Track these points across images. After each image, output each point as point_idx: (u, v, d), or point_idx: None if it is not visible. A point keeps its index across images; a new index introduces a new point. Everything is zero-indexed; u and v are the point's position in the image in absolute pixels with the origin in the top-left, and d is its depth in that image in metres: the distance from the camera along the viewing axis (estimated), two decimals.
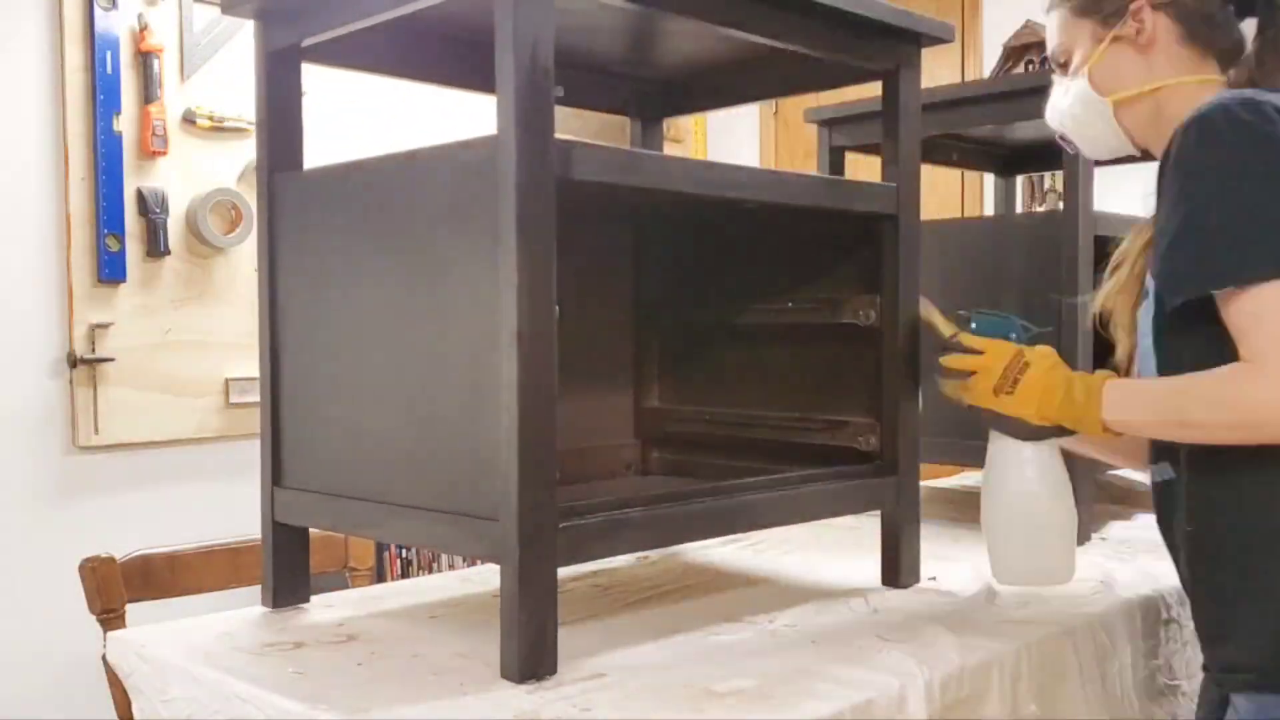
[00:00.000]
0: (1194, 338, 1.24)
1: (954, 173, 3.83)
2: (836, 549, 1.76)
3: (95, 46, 2.90)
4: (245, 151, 3.13)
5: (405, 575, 3.23)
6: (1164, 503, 1.35)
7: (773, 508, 1.40)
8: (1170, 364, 1.27)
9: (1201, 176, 1.21)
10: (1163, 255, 1.23)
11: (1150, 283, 1.29)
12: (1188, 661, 1.56)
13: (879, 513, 1.52)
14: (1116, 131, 1.40)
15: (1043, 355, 1.41)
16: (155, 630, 1.37)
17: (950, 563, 1.66)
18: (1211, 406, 1.20)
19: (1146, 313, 1.31)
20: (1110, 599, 1.48)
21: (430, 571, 3.26)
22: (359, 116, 3.23)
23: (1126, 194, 1.67)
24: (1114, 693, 1.42)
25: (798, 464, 1.51)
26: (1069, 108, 1.42)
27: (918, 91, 1.52)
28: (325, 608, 1.45)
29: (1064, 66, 1.43)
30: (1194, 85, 1.34)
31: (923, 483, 1.56)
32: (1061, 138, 1.48)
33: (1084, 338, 1.77)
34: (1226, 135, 1.19)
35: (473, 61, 1.54)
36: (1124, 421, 1.32)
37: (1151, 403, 1.28)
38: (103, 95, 2.91)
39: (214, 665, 1.23)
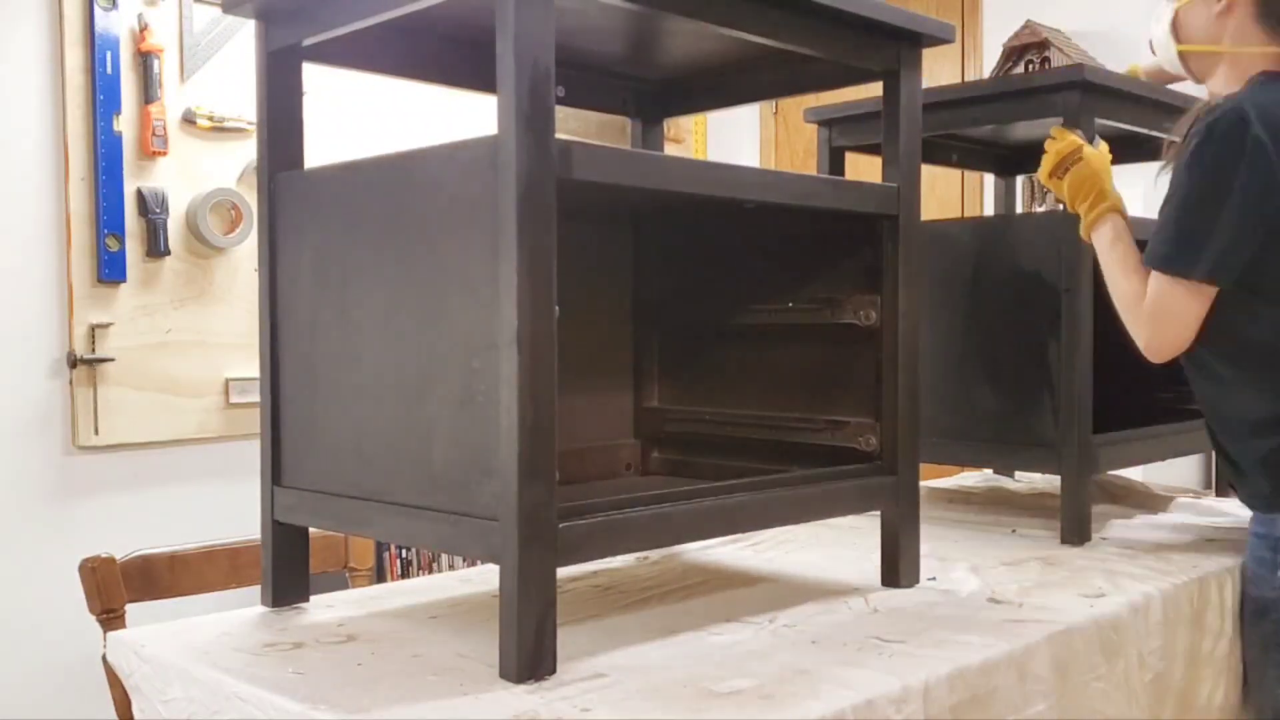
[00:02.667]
0: None
1: (954, 173, 3.83)
2: (836, 549, 1.76)
3: (95, 47, 2.90)
4: (245, 151, 3.13)
5: (405, 575, 3.23)
6: None
7: (773, 508, 1.40)
8: None
9: (1189, 171, 1.49)
10: (1154, 230, 1.54)
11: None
12: (1191, 661, 1.57)
13: (879, 513, 1.52)
14: (1181, 70, 1.69)
15: (1095, 156, 1.67)
16: (155, 630, 1.37)
17: (950, 563, 1.66)
18: (1124, 312, 1.59)
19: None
20: (1113, 598, 1.48)
21: (430, 571, 3.26)
22: (359, 116, 3.24)
23: (1126, 194, 1.68)
24: (1120, 692, 1.42)
25: (798, 464, 1.52)
26: (1155, 33, 1.69)
27: (918, 91, 1.52)
28: (325, 608, 1.45)
29: None
30: (1254, 57, 1.56)
31: (923, 483, 1.56)
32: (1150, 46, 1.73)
33: (1084, 338, 1.78)
34: (1225, 145, 1.46)
35: (473, 61, 1.55)
36: (1096, 250, 1.65)
37: (1110, 263, 1.60)
38: (103, 95, 2.91)
39: (213, 665, 1.23)
